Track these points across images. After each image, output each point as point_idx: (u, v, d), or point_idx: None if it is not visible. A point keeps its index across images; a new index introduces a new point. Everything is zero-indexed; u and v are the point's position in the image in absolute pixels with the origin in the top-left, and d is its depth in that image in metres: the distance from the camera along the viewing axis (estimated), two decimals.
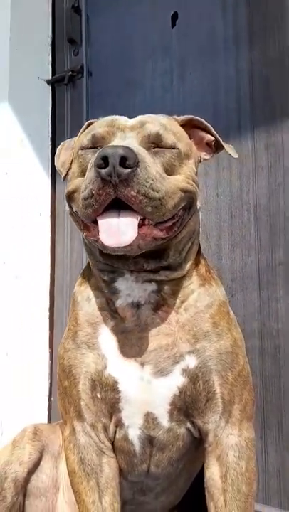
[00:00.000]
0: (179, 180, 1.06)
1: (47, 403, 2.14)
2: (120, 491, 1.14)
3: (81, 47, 2.17)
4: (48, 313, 2.20)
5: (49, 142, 2.27)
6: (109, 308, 1.12)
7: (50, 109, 2.28)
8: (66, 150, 1.24)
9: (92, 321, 1.13)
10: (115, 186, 0.94)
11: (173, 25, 1.81)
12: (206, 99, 1.71)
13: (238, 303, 1.53)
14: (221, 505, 1.08)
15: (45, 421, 2.10)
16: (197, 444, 1.17)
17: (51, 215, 2.24)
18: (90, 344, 1.11)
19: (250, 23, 1.61)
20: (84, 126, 1.19)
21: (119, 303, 1.11)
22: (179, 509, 1.39)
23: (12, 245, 2.14)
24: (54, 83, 2.29)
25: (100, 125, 1.11)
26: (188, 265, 1.14)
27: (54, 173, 2.25)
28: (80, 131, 1.18)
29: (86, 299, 1.16)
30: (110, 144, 1.02)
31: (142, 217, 0.98)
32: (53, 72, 2.31)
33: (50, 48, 2.33)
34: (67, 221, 2.16)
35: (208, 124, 1.17)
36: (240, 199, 1.59)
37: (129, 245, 0.96)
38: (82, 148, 1.09)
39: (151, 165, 1.00)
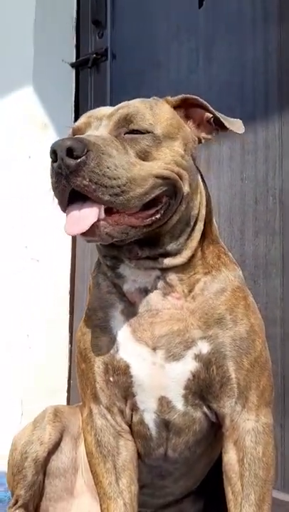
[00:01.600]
0: (154, 166, 1.03)
1: (66, 385, 2.16)
2: (139, 474, 1.15)
3: (105, 29, 2.15)
4: (68, 297, 2.21)
5: (73, 125, 2.26)
6: (117, 293, 1.13)
7: (73, 93, 2.27)
8: None
9: (102, 304, 1.14)
10: (67, 178, 0.95)
11: (200, 5, 1.77)
12: (232, 80, 1.67)
13: (260, 290, 1.51)
14: (238, 490, 1.07)
15: (65, 403, 2.13)
16: (216, 430, 1.16)
17: None
18: (103, 328, 1.12)
19: (279, 3, 1.56)
20: None
21: (126, 288, 1.11)
22: (197, 493, 1.39)
23: (34, 229, 2.15)
24: (78, 66, 2.27)
25: (81, 117, 1.12)
26: (188, 252, 1.11)
27: None
28: None
29: (96, 284, 1.17)
30: (70, 137, 1.02)
31: (106, 206, 0.98)
32: (77, 55, 2.30)
33: (74, 30, 2.31)
34: None
35: (203, 101, 1.13)
36: (265, 184, 1.56)
37: (91, 233, 0.98)
38: None
39: (112, 152, 0.99)
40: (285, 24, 1.55)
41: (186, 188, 1.08)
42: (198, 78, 1.76)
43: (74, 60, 2.28)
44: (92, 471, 1.15)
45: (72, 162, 0.95)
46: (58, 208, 1.04)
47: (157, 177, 1.03)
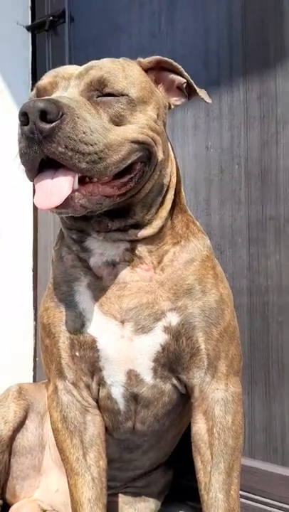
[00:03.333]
0: (129, 130, 0.98)
1: (32, 363, 2.12)
2: (106, 448, 1.14)
3: None
4: (31, 273, 2.15)
5: (30, 92, 2.15)
6: (82, 266, 1.09)
7: (30, 57, 2.16)
8: None
9: (66, 279, 1.10)
10: (40, 143, 0.88)
11: None
12: (196, 44, 1.61)
13: (227, 259, 1.50)
14: (207, 459, 1.08)
15: (31, 381, 2.09)
16: (185, 400, 1.16)
17: None
18: (68, 302, 1.09)
19: None
20: None
21: (93, 261, 1.08)
22: (166, 464, 1.39)
23: None
24: (34, 29, 2.15)
25: (45, 76, 1.04)
26: (159, 222, 1.08)
27: None
28: None
29: (59, 258, 1.13)
30: (42, 98, 0.94)
31: (80, 175, 0.92)
32: (33, 18, 2.17)
33: None
34: None
35: (178, 65, 1.08)
36: (230, 152, 1.53)
37: (65, 206, 0.91)
38: None
39: (86, 116, 0.92)
40: None
41: (160, 154, 1.04)
42: (161, 42, 1.70)
43: (30, 23, 2.16)
44: (58, 448, 1.14)
45: (46, 126, 0.87)
46: (25, 176, 0.96)
47: (133, 142, 0.98)
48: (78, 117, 0.91)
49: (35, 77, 2.14)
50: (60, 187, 0.90)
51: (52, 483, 1.33)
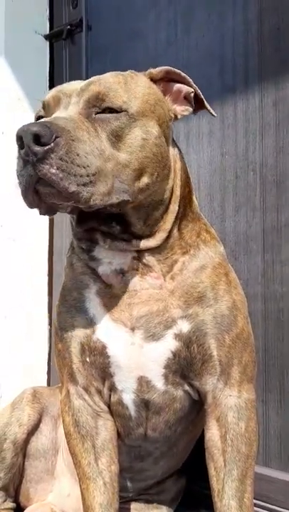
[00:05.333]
0: (122, 155, 0.97)
1: (46, 367, 2.13)
2: (118, 455, 1.13)
3: None
4: (46, 278, 2.17)
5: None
6: (91, 273, 1.10)
7: (48, 65, 2.19)
8: None
9: (76, 285, 1.12)
10: (34, 166, 0.89)
11: None
12: (212, 52, 1.62)
13: (241, 266, 1.49)
14: (220, 466, 1.07)
15: (45, 385, 2.10)
16: (198, 407, 1.16)
17: None
18: (78, 308, 1.10)
19: None
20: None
21: (102, 270, 1.09)
22: (179, 471, 1.39)
23: (9, 208, 2.09)
24: (52, 38, 2.19)
25: (50, 91, 1.06)
26: (163, 234, 1.08)
27: None
28: None
29: (70, 265, 1.15)
30: (42, 120, 0.95)
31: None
32: (51, 27, 2.21)
33: (47, 0, 2.21)
34: None
35: (186, 76, 1.08)
36: (245, 158, 1.53)
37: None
38: (37, 119, 1.05)
39: (83, 137, 0.93)
40: None
41: (145, 181, 1.01)
42: (177, 49, 1.71)
43: (48, 32, 2.19)
44: (71, 452, 1.14)
45: (39, 149, 0.89)
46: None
47: (124, 167, 0.97)
48: (73, 139, 0.91)
49: (53, 85, 2.17)
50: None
51: (64, 487, 1.34)
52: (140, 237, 1.06)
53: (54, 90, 1.05)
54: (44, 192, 0.92)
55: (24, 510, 1.36)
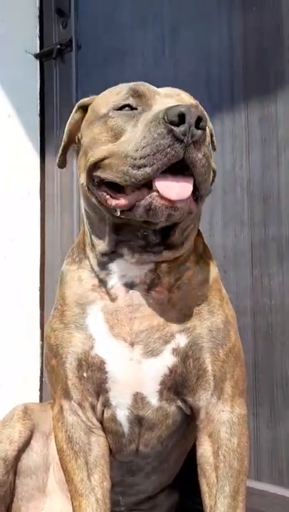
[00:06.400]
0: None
1: (38, 383, 2.13)
2: (110, 471, 1.13)
3: (69, 18, 2.10)
4: (38, 293, 2.18)
5: (38, 118, 2.21)
6: (100, 290, 1.10)
7: (38, 84, 2.22)
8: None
9: (80, 301, 1.11)
10: (186, 147, 0.90)
11: None
12: (198, 69, 1.66)
13: (230, 280, 1.51)
14: (212, 482, 1.07)
15: (38, 401, 2.09)
16: (188, 421, 1.16)
17: (40, 193, 2.20)
18: (78, 324, 1.09)
19: None
20: (75, 107, 1.14)
21: (112, 283, 1.09)
22: (171, 487, 1.38)
23: (0, 225, 2.10)
24: (42, 57, 2.22)
25: (137, 84, 1.03)
26: (188, 244, 1.10)
27: (43, 150, 2.20)
28: (73, 112, 1.14)
29: (77, 279, 1.13)
30: (170, 105, 0.94)
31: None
32: (41, 46, 2.24)
33: (37, 19, 2.25)
34: (57, 198, 2.12)
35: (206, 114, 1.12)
36: (233, 174, 1.56)
37: (186, 203, 0.93)
38: (117, 109, 1.01)
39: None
40: (249, 12, 1.54)
41: None
42: (165, 67, 1.75)
43: (38, 51, 2.23)
44: (63, 468, 1.13)
45: (198, 132, 0.90)
46: (136, 173, 0.92)
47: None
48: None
49: (43, 103, 2.20)
50: (186, 186, 0.93)
51: (56, 504, 1.33)
52: (170, 248, 1.07)
53: (140, 84, 1.03)
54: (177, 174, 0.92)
55: None
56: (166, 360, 1.06)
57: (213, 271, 1.15)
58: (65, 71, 2.12)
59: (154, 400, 1.08)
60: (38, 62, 2.24)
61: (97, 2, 2.01)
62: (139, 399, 1.08)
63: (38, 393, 2.13)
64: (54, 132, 2.15)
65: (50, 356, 1.14)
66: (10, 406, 1.40)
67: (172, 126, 0.89)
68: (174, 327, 1.06)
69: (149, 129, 0.92)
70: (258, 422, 1.43)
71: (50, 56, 2.17)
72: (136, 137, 0.94)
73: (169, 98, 1.03)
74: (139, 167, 0.92)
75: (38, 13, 2.25)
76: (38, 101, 2.21)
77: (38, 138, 2.21)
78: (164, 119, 0.90)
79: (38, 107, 2.21)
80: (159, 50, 1.77)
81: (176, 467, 1.33)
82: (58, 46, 2.13)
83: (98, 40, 2.00)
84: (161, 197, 0.92)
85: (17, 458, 1.30)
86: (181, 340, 1.06)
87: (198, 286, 1.11)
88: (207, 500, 1.08)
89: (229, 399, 1.09)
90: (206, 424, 1.09)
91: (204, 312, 1.09)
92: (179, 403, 1.11)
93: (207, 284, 1.12)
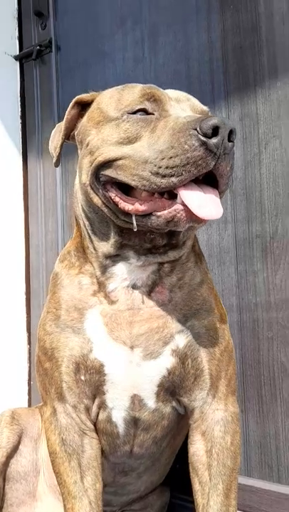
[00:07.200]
0: None
1: (27, 387, 2.11)
2: (102, 471, 1.13)
3: (48, 19, 2.09)
4: (24, 297, 2.16)
5: (19, 121, 2.19)
6: (100, 294, 1.08)
7: (19, 86, 2.20)
8: (55, 133, 1.18)
9: (79, 306, 1.09)
10: (217, 159, 0.90)
11: None
12: (178, 69, 1.66)
13: (215, 278, 1.51)
14: (205, 480, 1.07)
15: (26, 406, 2.08)
16: (179, 420, 1.16)
17: (24, 196, 2.18)
18: (75, 329, 1.08)
19: None
20: (72, 103, 1.12)
21: (113, 287, 1.08)
22: (162, 486, 1.39)
23: None
24: (22, 59, 2.20)
25: (150, 87, 1.02)
26: (190, 242, 1.11)
27: (25, 152, 2.18)
28: (69, 107, 1.12)
29: (77, 284, 1.11)
30: (198, 115, 0.96)
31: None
32: (21, 48, 2.23)
33: (16, 21, 2.24)
34: (40, 201, 2.11)
35: None
36: None
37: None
38: (131, 113, 1.00)
39: None
40: (227, 12, 1.55)
41: None
42: (144, 68, 1.75)
43: (17, 53, 2.21)
44: (55, 471, 1.13)
45: (230, 145, 0.91)
46: (160, 181, 0.91)
47: None
48: None
49: (24, 104, 2.18)
50: (217, 201, 0.92)
51: (48, 508, 1.32)
52: (176, 247, 1.07)
53: (154, 88, 1.02)
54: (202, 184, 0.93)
55: None
56: (165, 362, 1.06)
57: (207, 270, 1.17)
58: (46, 72, 2.10)
59: (151, 401, 1.08)
60: (17, 63, 2.22)
61: (76, 3, 2.00)
62: (136, 401, 1.08)
63: (26, 397, 2.11)
64: (36, 134, 2.13)
65: (44, 359, 1.12)
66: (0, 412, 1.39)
67: (205, 139, 0.89)
68: (174, 328, 1.06)
69: (178, 140, 0.90)
70: (246, 417, 1.44)
71: (30, 57, 2.15)
72: (159, 145, 0.93)
73: (181, 103, 1.03)
74: (164, 176, 0.91)
75: (16, 15, 2.23)
76: (19, 103, 2.19)
77: (20, 140, 2.19)
78: (196, 130, 0.89)
79: (20, 109, 2.19)
80: (139, 51, 1.77)
81: (167, 466, 1.33)
82: (38, 47, 2.11)
83: (78, 41, 1.99)
84: (188, 211, 0.91)
85: (5, 464, 1.29)
86: (180, 341, 1.06)
87: (197, 287, 1.11)
88: (199, 499, 1.08)
89: (223, 397, 1.09)
90: (199, 423, 1.09)
91: (202, 311, 1.09)
92: (174, 404, 1.11)
93: (204, 284, 1.12)
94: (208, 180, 0.94)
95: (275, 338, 1.41)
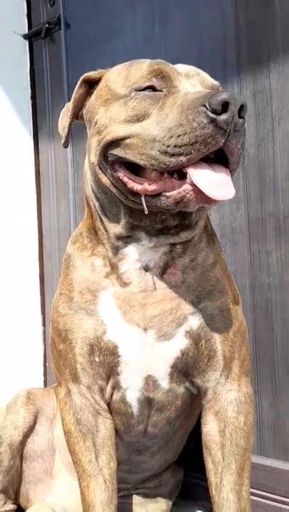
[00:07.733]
0: None
1: (42, 368, 2.14)
2: (116, 450, 1.14)
3: None
4: (38, 279, 2.17)
5: (30, 101, 2.17)
6: (112, 276, 1.08)
7: (28, 64, 2.17)
8: (64, 113, 1.17)
9: (92, 288, 1.09)
10: (228, 136, 0.87)
11: None
12: (189, 46, 1.61)
13: (228, 258, 1.50)
14: (218, 460, 1.08)
15: (42, 386, 2.11)
16: (193, 400, 1.16)
17: (36, 178, 2.17)
18: (89, 310, 1.08)
19: None
20: (80, 81, 1.10)
21: (125, 268, 1.07)
22: (176, 464, 1.40)
23: None
24: (31, 37, 2.17)
25: (158, 62, 0.99)
26: (202, 223, 1.10)
27: (36, 134, 2.17)
28: (76, 86, 1.10)
29: (90, 266, 1.11)
30: (208, 91, 0.92)
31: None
32: (29, 26, 2.19)
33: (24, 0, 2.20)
34: (52, 183, 2.10)
35: None
36: None
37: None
38: (139, 90, 0.97)
39: None
40: None
41: None
42: (155, 45, 1.70)
43: (26, 31, 2.17)
44: (70, 450, 1.15)
45: (241, 121, 0.88)
46: (170, 160, 0.88)
47: None
48: None
49: (34, 84, 2.16)
50: (229, 181, 0.90)
51: (64, 485, 1.35)
52: (187, 228, 1.05)
53: (162, 63, 0.99)
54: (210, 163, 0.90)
55: (25, 511, 1.37)
56: (179, 343, 1.06)
57: (220, 251, 1.16)
58: (55, 50, 2.07)
59: (164, 382, 1.09)
60: (27, 42, 2.18)
61: None
62: (150, 381, 1.09)
63: (42, 378, 2.14)
64: (46, 115, 2.11)
65: (58, 341, 1.13)
66: (14, 392, 1.41)
67: (215, 116, 0.86)
68: (187, 309, 1.06)
69: (187, 117, 0.87)
70: (260, 398, 1.44)
71: (39, 36, 2.11)
72: (167, 122, 0.90)
73: (191, 78, 1.00)
74: (173, 155, 0.88)
75: None
76: (29, 82, 2.17)
77: (31, 121, 2.17)
78: (205, 106, 0.86)
79: (30, 89, 2.17)
80: (149, 28, 1.72)
81: (181, 445, 1.34)
82: (47, 25, 2.07)
83: (87, 18, 1.95)
84: (197, 191, 0.88)
85: (22, 443, 1.32)
86: (194, 322, 1.06)
87: (210, 268, 1.10)
88: (212, 478, 1.09)
89: (236, 378, 1.09)
90: (213, 403, 1.09)
91: (215, 292, 1.08)
92: (187, 384, 1.11)
93: (217, 265, 1.12)
94: (219, 158, 0.91)
95: (288, 318, 1.40)
